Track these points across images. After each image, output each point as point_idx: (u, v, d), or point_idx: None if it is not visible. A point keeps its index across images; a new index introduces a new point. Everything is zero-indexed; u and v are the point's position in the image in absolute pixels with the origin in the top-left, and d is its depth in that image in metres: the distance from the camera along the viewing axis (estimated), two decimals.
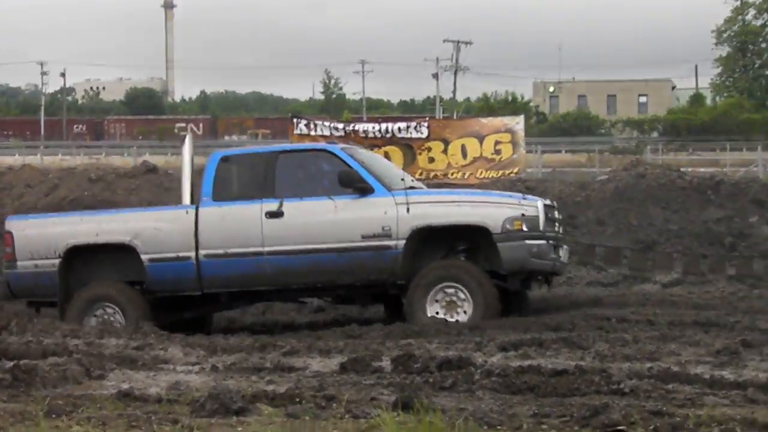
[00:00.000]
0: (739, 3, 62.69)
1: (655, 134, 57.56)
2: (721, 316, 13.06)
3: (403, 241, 12.70)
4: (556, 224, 13.31)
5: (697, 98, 63.74)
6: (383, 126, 27.37)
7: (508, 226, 12.58)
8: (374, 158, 14.38)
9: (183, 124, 78.92)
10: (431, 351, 9.54)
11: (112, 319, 13.03)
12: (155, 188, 24.01)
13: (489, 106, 66.83)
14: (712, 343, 10.29)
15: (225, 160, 13.51)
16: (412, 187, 13.58)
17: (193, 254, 13.10)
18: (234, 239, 13.05)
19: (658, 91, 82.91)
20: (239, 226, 13.09)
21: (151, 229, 13.24)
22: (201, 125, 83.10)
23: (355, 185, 12.89)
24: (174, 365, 9.37)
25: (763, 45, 62.78)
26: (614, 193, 21.74)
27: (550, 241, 12.85)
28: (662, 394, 7.68)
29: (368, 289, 13.10)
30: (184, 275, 13.10)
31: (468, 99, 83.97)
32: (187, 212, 13.27)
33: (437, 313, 12.43)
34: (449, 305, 12.51)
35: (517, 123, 27.69)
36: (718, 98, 62.84)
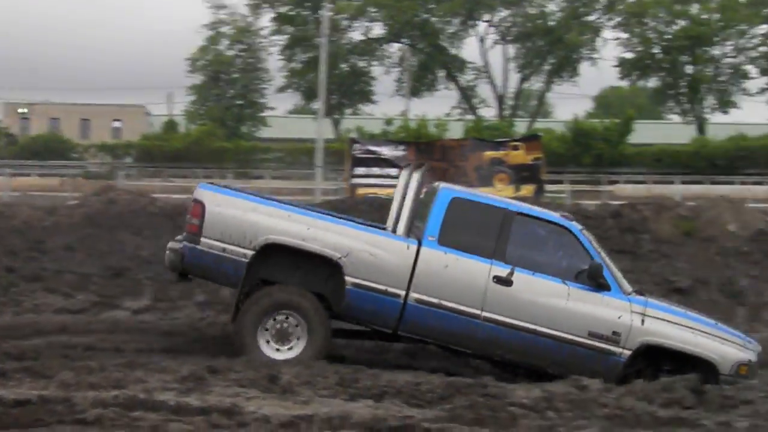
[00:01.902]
0: (212, 33, 64.38)
1: (129, 159, 57.62)
2: (189, 343, 13.18)
3: (629, 352, 12.15)
4: None
5: (170, 125, 64.59)
6: None
7: (735, 370, 12.25)
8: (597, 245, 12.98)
9: None
10: None
11: (290, 330, 11.89)
12: None
13: None
14: (179, 369, 10.33)
15: (457, 200, 12.32)
16: (640, 293, 12.80)
17: (403, 293, 12.03)
18: (452, 292, 12.05)
19: (133, 117, 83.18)
20: (462, 280, 12.05)
21: (366, 252, 12.01)
22: None
23: (598, 280, 12.19)
24: None
25: (235, 75, 64.88)
26: (84, 219, 21.36)
27: None
28: (127, 422, 7.57)
29: None
30: (385, 312, 12.04)
31: None
32: (408, 247, 12.10)
33: None
34: None
35: None
36: (191, 126, 64.01)
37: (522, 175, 28.06)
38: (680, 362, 12.27)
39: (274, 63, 64.92)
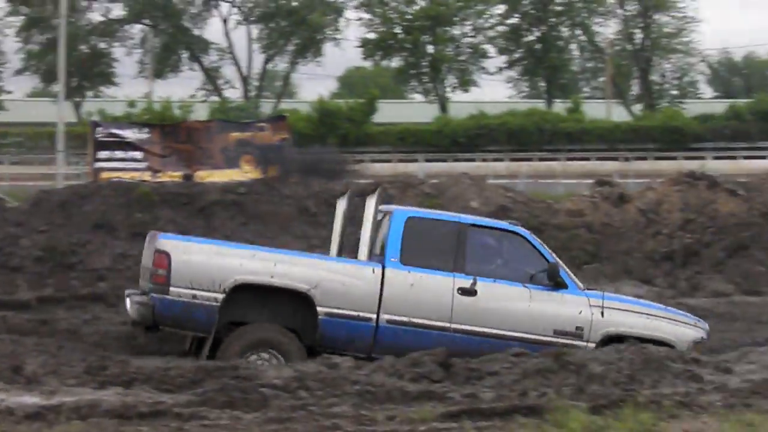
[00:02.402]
0: None
1: None
2: None
3: (593, 344, 12.57)
4: None
5: None
6: None
7: (691, 348, 12.60)
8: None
9: None
10: None
11: (267, 365, 11.68)
12: None
13: None
14: None
15: (412, 220, 12.69)
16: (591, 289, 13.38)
17: (374, 316, 12.31)
18: (420, 309, 12.42)
19: None
20: (428, 296, 12.46)
21: (335, 281, 12.27)
22: None
23: (557, 279, 12.66)
24: None
25: None
26: None
27: None
28: None
29: None
30: (359, 336, 12.27)
31: None
32: (373, 270, 12.41)
33: None
34: None
35: None
36: None
37: (269, 156, 28.00)
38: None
39: (10, 45, 62.51)
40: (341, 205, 14.00)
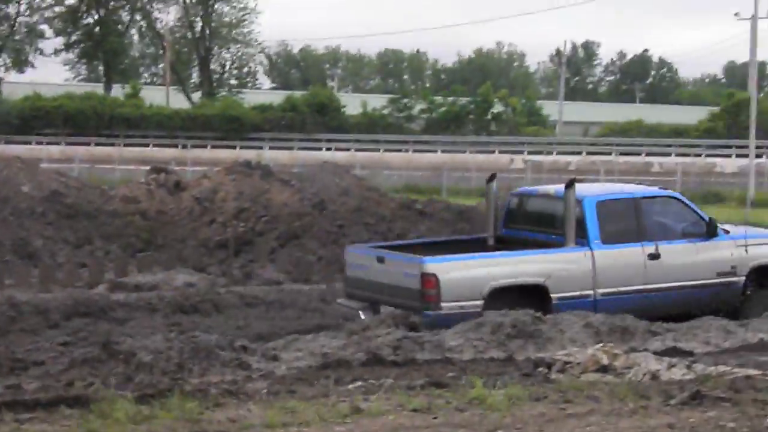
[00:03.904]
0: None
1: None
2: None
3: (744, 277, 15.39)
4: None
5: None
6: None
7: None
8: None
9: None
10: None
11: None
12: None
13: None
14: None
15: (602, 203, 14.85)
16: (726, 230, 15.69)
17: (592, 293, 14.44)
18: (623, 278, 14.66)
19: None
20: (626, 266, 14.69)
21: (560, 270, 14.33)
22: None
23: (714, 232, 15.19)
24: None
25: None
26: None
27: None
28: None
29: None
30: (586, 311, 13.85)
31: None
32: (585, 254, 14.49)
33: None
34: None
35: None
36: None
37: None
38: None
39: None
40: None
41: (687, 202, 15.81)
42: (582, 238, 14.68)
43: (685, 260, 15.17)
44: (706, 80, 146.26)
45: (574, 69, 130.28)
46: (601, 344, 12.14)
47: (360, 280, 14.98)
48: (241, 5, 67.11)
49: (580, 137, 75.20)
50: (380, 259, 14.69)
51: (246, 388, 10.11)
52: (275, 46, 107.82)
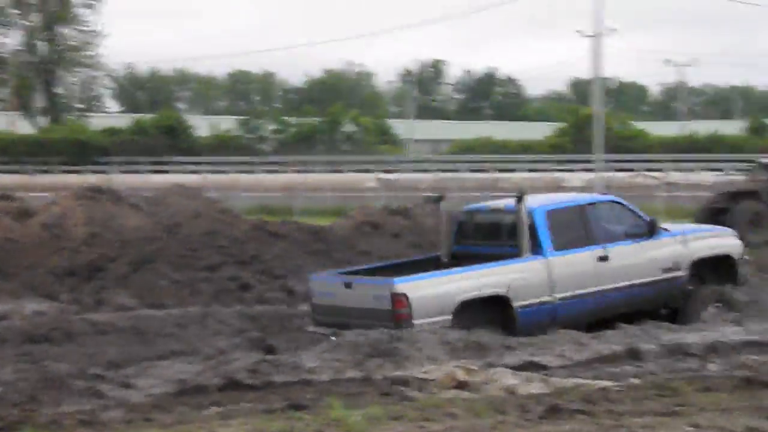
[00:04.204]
0: None
1: None
2: None
3: (686, 272, 16.16)
4: None
5: None
6: None
7: (744, 254, 16.89)
8: None
9: None
10: None
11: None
12: None
13: None
14: None
15: (550, 213, 15.53)
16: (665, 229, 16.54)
17: (551, 299, 15.10)
18: (578, 282, 15.31)
19: None
20: (579, 271, 15.37)
21: (519, 279, 14.97)
22: None
23: (656, 231, 15.99)
24: None
25: None
26: None
27: None
28: None
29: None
30: (544, 317, 14.96)
31: None
32: (540, 263, 15.16)
33: None
34: None
35: None
36: None
37: None
38: (713, 265, 16.56)
39: None
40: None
41: (627, 204, 16.58)
42: (536, 248, 15.32)
43: (632, 260, 15.95)
44: (553, 97, 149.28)
45: (424, 88, 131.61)
46: (458, 361, 12.23)
47: (328, 307, 15.32)
48: (87, 28, 66.05)
49: (430, 155, 75.95)
50: (347, 285, 15.13)
51: (101, 418, 9.89)
52: (122, 69, 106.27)
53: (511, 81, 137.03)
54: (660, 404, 10.30)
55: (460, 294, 14.55)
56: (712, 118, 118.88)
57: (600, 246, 15.73)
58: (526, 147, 70.08)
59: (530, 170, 61.34)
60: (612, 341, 14.09)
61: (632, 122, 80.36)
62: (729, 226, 19.23)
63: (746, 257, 17.18)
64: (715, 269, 16.67)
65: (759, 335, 14.49)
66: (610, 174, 54.11)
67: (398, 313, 14.24)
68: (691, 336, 14.41)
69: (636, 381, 11.63)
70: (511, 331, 14.67)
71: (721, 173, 47.31)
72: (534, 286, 15.11)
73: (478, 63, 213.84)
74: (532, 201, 15.87)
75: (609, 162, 54.97)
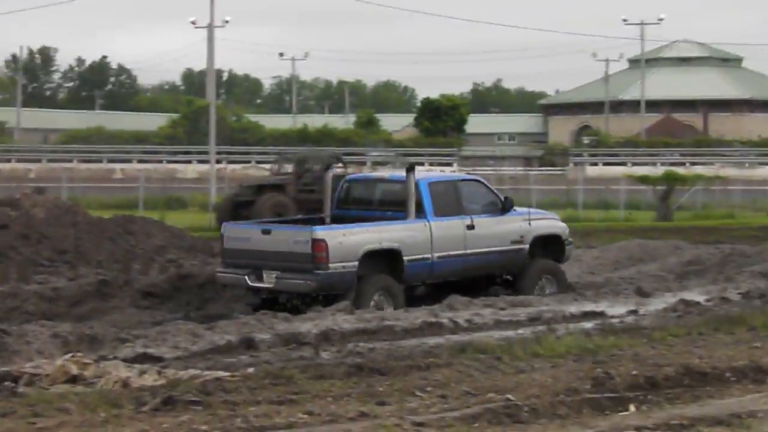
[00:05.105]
0: None
1: None
2: None
3: (528, 245, 18.92)
4: None
5: None
6: None
7: (568, 236, 19.84)
8: None
9: None
10: None
11: (385, 302, 16.91)
12: None
13: None
14: None
15: (432, 184, 18.26)
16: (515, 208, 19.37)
17: (430, 256, 17.71)
18: (451, 244, 18.01)
19: None
20: (453, 235, 18.05)
21: (408, 237, 17.57)
22: None
23: (510, 208, 18.83)
24: None
25: None
26: None
27: None
28: None
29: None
30: (424, 271, 17.80)
31: None
32: (424, 225, 17.79)
33: None
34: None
35: None
36: None
37: None
38: (546, 242, 19.21)
39: None
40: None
41: (488, 184, 19.66)
42: (420, 213, 17.81)
43: (491, 230, 18.53)
44: (166, 87, 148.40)
45: (32, 75, 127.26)
46: (70, 354, 11.87)
47: (241, 251, 17.27)
48: None
49: (40, 144, 73.61)
50: (266, 231, 17.39)
51: None
52: None
53: (124, 70, 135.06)
54: (275, 393, 10.42)
55: (365, 245, 17.04)
56: (323, 112, 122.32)
57: (468, 216, 18.29)
58: (140, 137, 69.31)
59: (143, 161, 60.74)
60: (227, 331, 14.12)
61: (247, 115, 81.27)
62: (254, 219, 21.01)
63: (570, 239, 19.84)
64: (544, 247, 19.20)
65: (368, 323, 14.97)
66: (223, 165, 54.46)
67: (318, 255, 16.55)
68: (305, 325, 14.67)
69: (251, 371, 11.68)
70: (399, 280, 17.34)
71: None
72: (418, 244, 17.63)
73: (90, 51, 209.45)
74: (417, 174, 18.33)
75: (223, 154, 55.30)
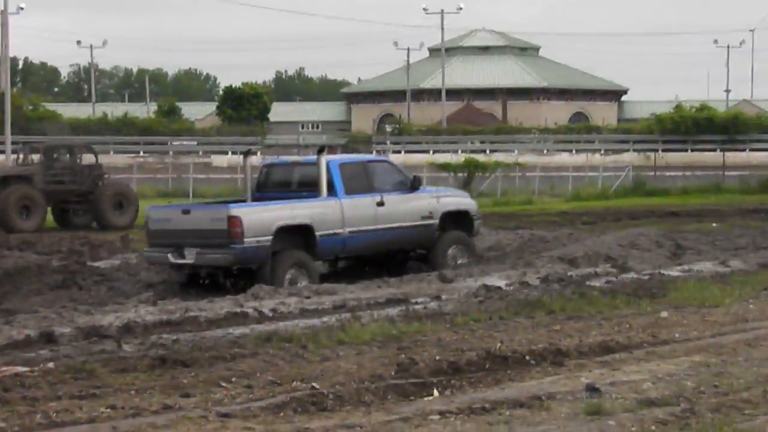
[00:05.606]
0: None
1: None
2: None
3: (438, 220, 20.21)
4: None
5: None
6: None
7: (477, 212, 21.42)
8: None
9: None
10: None
11: (300, 276, 18.06)
12: None
13: None
14: None
15: (342, 165, 19.51)
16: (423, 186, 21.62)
17: (342, 231, 18.83)
18: (362, 220, 19.19)
19: None
20: (363, 211, 19.22)
21: (320, 214, 18.68)
22: None
23: (418, 186, 20.26)
24: None
25: None
26: None
27: None
28: None
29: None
30: (337, 245, 18.97)
31: None
32: (335, 203, 18.92)
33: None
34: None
35: None
36: None
37: None
38: (456, 218, 20.58)
39: None
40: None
41: (396, 164, 21.15)
42: (331, 191, 18.96)
43: (401, 207, 19.79)
44: None
45: None
46: None
47: (164, 231, 18.35)
48: None
49: None
50: (186, 212, 18.61)
51: None
52: None
53: None
54: (76, 387, 10.22)
55: (278, 221, 18.11)
56: (123, 101, 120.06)
57: (378, 194, 19.52)
58: None
59: None
60: (26, 325, 13.73)
61: (45, 104, 79.11)
62: None
63: (479, 215, 21.60)
64: (455, 222, 20.58)
65: (171, 314, 14.78)
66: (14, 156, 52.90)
67: (233, 231, 17.57)
68: (107, 318, 14.40)
69: (51, 365, 11.39)
70: (313, 255, 18.55)
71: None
72: (330, 220, 18.74)
73: None
74: (328, 157, 19.77)
75: (20, 144, 53.74)
